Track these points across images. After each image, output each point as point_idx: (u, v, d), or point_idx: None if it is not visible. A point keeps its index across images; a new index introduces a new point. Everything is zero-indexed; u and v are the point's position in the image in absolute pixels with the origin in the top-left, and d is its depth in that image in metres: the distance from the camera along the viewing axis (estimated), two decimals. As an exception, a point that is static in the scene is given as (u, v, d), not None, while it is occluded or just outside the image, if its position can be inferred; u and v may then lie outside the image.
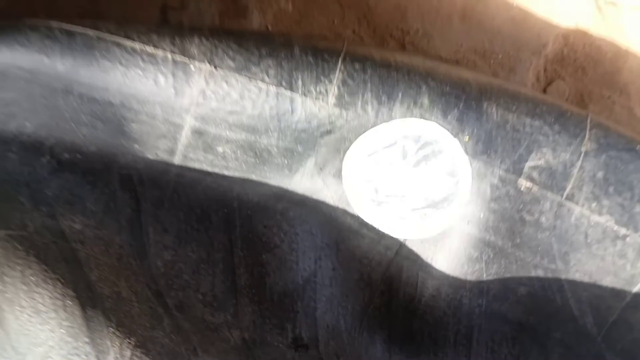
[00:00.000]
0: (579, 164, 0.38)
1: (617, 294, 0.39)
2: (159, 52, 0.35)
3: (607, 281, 0.39)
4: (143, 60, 0.35)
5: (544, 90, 0.45)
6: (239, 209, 0.40)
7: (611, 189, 0.38)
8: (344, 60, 0.37)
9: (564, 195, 0.38)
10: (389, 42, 0.45)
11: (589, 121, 0.39)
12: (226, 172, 0.40)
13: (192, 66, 0.36)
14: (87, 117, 0.37)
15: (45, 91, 0.36)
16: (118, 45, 0.35)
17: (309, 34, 0.45)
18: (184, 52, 0.36)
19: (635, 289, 0.39)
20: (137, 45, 0.35)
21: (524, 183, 0.38)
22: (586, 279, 0.39)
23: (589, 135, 0.38)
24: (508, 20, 0.45)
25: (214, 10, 0.45)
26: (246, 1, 0.45)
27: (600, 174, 0.38)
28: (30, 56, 0.35)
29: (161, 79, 0.36)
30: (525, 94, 0.40)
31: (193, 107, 0.37)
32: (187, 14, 0.45)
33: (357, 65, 0.37)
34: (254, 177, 0.40)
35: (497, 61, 0.45)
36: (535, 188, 0.38)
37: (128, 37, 0.36)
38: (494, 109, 0.38)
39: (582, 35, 0.45)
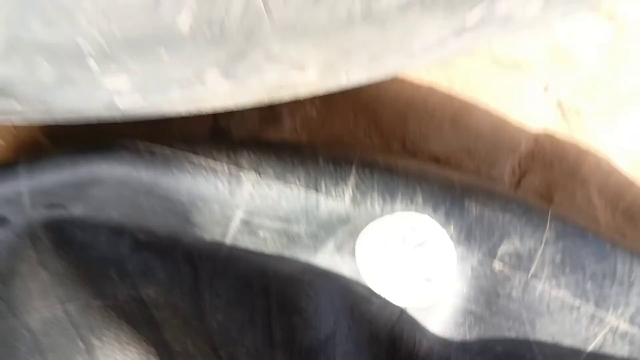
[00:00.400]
0: (541, 249, 0.48)
1: (575, 352, 0.49)
2: (218, 166, 0.47)
3: (567, 342, 0.49)
4: (206, 171, 0.47)
5: (518, 181, 0.56)
6: (274, 280, 0.51)
7: (567, 269, 0.48)
8: (357, 167, 0.49)
9: (530, 275, 0.48)
10: (392, 142, 0.57)
11: (549, 215, 0.49)
12: (265, 251, 0.51)
13: (243, 175, 0.47)
14: (161, 210, 0.49)
15: (130, 192, 0.48)
16: (188, 160, 0.47)
17: (330, 137, 0.57)
18: (237, 165, 0.48)
19: (589, 349, 0.49)
20: (202, 161, 0.47)
21: (497, 265, 0.48)
22: (550, 340, 0.49)
23: (550, 226, 0.49)
24: (489, 125, 0.56)
25: (255, 116, 0.57)
26: (280, 109, 0.57)
27: (558, 258, 0.49)
28: (121, 168, 0.47)
29: (220, 185, 0.47)
30: (499, 192, 0.51)
31: (242, 205, 0.48)
32: (234, 120, 0.57)
33: (366, 171, 0.49)
34: (286, 254, 0.51)
35: (480, 158, 0.56)
36: (507, 269, 0.48)
37: (195, 153, 0.47)
38: (473, 206, 0.49)
39: (550, 137, 0.56)
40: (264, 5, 0.32)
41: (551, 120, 0.56)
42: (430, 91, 0.56)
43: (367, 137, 0.57)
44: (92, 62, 0.32)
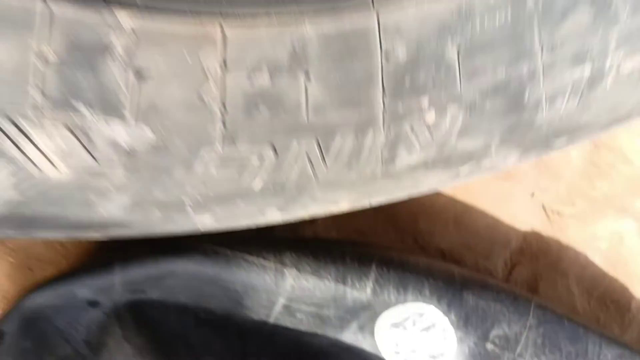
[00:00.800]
0: (525, 333, 0.60)
1: (554, 419, 0.60)
2: (267, 263, 0.60)
3: (547, 410, 0.60)
4: (257, 267, 0.60)
5: (510, 272, 0.68)
6: (308, 352, 0.63)
7: (547, 350, 0.60)
8: (376, 265, 0.61)
9: (516, 354, 0.60)
10: (406, 237, 0.69)
11: (532, 304, 0.61)
12: (301, 328, 0.63)
13: (286, 271, 0.60)
14: (219, 295, 0.62)
15: (197, 282, 0.61)
16: (243, 259, 0.60)
17: (355, 232, 0.69)
18: (281, 263, 0.60)
19: (565, 416, 0.60)
20: (254, 259, 0.60)
21: (489, 346, 0.60)
22: (533, 408, 0.60)
23: (532, 314, 0.60)
24: (485, 225, 0.68)
25: (293, 214, 0.69)
26: (313, 208, 0.69)
27: (539, 340, 0.60)
28: (192, 265, 0.60)
29: (267, 278, 0.60)
30: (492, 285, 0.62)
31: (285, 293, 0.61)
32: (275, 216, 0.69)
33: (384, 269, 0.61)
34: (318, 332, 0.63)
35: (477, 252, 0.68)
36: (497, 349, 0.60)
37: (249, 253, 0.60)
38: (470, 297, 0.60)
39: (536, 234, 0.68)
40: (312, 172, 0.45)
41: (537, 221, 0.68)
42: (437, 195, 0.68)
43: (385, 232, 0.69)
44: (189, 209, 0.46)
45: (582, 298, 0.67)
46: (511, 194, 0.68)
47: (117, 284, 0.59)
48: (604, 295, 0.67)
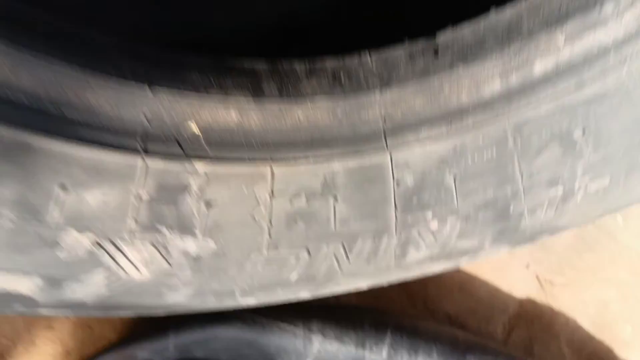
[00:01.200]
0: (520, 393, 0.69)
1: None
2: (297, 330, 0.70)
3: None
4: (289, 333, 0.70)
5: (508, 335, 0.77)
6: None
7: (539, 408, 0.69)
8: (391, 332, 0.71)
9: (512, 411, 0.69)
10: (417, 302, 0.79)
11: (527, 367, 0.70)
12: (325, 385, 0.73)
13: (313, 336, 0.70)
14: (255, 356, 0.72)
15: (236, 344, 0.71)
16: (277, 326, 0.70)
17: (371, 297, 0.79)
18: (309, 329, 0.70)
19: None
20: (286, 326, 0.70)
21: (489, 404, 0.69)
22: None
23: (526, 375, 0.70)
24: (486, 292, 0.78)
25: (317, 281, 0.80)
26: (335, 276, 0.80)
27: (533, 399, 0.69)
28: (233, 331, 0.70)
29: (297, 343, 0.70)
30: (491, 348, 0.72)
31: (311, 355, 0.70)
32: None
33: (397, 335, 0.71)
34: (340, 388, 0.73)
35: (479, 316, 0.77)
36: (496, 407, 0.69)
37: (282, 320, 0.70)
38: (472, 359, 0.70)
39: (531, 301, 0.77)
40: (338, 266, 0.55)
41: (532, 289, 0.77)
42: (443, 265, 0.78)
43: (398, 298, 0.79)
44: (238, 295, 0.56)
45: (572, 358, 0.76)
46: (509, 265, 0.78)
47: (170, 346, 0.70)
48: (591, 355, 0.76)
